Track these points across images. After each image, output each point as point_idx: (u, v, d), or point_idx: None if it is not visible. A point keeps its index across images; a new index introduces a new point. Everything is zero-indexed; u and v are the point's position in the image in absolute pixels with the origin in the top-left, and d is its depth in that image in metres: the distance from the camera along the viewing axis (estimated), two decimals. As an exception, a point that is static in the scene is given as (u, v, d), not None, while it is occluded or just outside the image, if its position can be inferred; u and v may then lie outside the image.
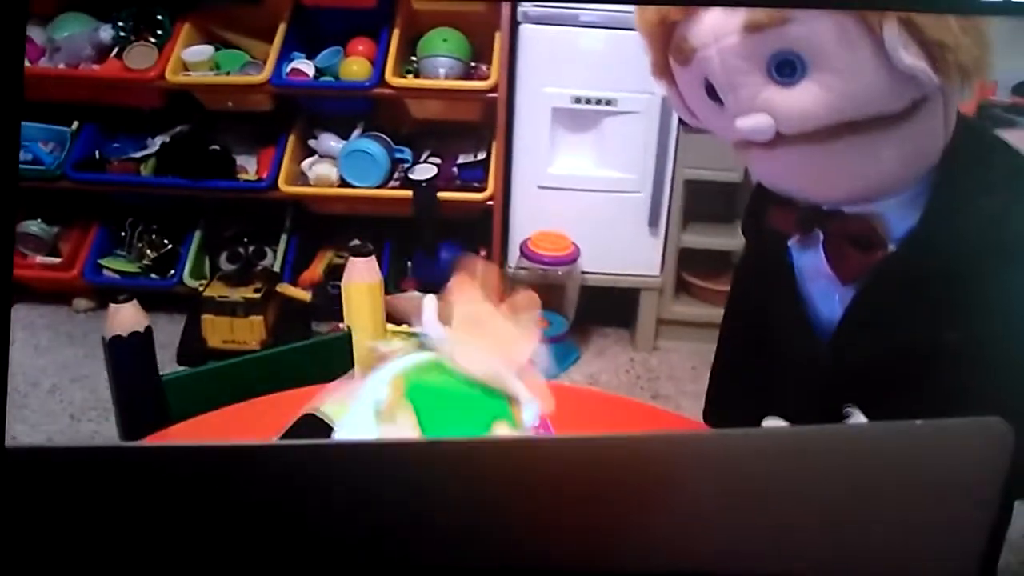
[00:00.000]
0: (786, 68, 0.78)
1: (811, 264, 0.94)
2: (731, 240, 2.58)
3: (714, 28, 0.79)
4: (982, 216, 0.83)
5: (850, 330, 0.90)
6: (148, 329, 1.06)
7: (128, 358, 1.05)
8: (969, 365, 0.82)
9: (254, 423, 0.99)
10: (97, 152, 2.63)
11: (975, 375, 0.81)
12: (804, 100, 0.78)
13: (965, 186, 0.83)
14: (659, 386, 2.45)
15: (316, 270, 2.61)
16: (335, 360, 1.09)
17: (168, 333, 2.47)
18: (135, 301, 1.05)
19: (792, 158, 0.83)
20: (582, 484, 0.49)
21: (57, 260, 2.66)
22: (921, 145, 0.82)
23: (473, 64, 2.55)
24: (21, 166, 2.51)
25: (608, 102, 2.40)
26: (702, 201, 2.56)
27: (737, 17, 0.78)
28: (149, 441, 0.99)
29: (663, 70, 0.90)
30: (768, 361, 1.00)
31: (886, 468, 0.55)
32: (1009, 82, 2.54)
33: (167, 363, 2.39)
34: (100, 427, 2.13)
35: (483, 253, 2.63)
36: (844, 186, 0.85)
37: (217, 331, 2.40)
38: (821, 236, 0.91)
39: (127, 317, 1.03)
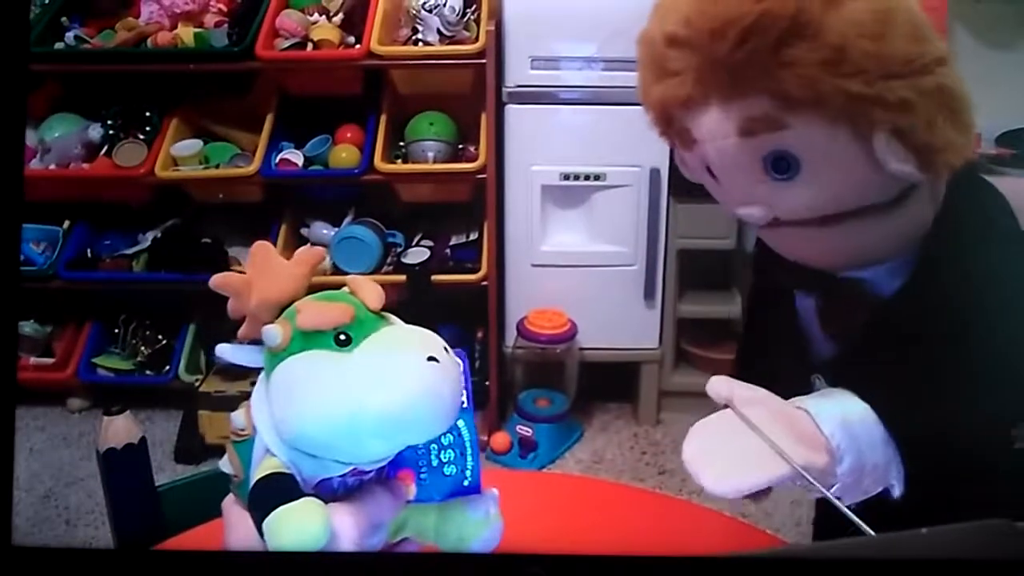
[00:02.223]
0: (781, 165, 0.80)
1: (806, 309, 0.98)
2: (728, 307, 2.57)
3: (711, 129, 0.81)
4: (967, 270, 0.85)
5: (838, 376, 0.92)
6: (143, 440, 1.03)
7: (123, 471, 1.02)
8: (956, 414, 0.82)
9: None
10: (88, 250, 2.62)
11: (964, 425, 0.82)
12: (798, 196, 0.81)
13: (952, 243, 0.85)
14: (664, 460, 2.41)
15: (312, 358, 2.59)
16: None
17: (165, 430, 2.44)
18: (128, 412, 1.02)
19: (788, 237, 0.87)
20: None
21: (50, 360, 2.63)
22: (911, 222, 0.85)
23: (461, 146, 2.56)
24: (12, 268, 2.50)
25: (597, 177, 2.41)
26: (696, 270, 2.56)
27: (732, 121, 0.79)
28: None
29: (666, 137, 0.92)
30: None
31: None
32: (993, 133, 2.57)
33: (164, 461, 2.35)
34: (98, 531, 2.08)
35: (480, 334, 2.62)
36: (839, 259, 0.88)
37: (214, 427, 2.37)
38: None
39: (120, 429, 1.01)
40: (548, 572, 0.60)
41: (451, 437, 0.76)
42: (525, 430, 2.41)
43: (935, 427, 0.80)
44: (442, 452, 0.76)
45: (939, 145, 0.76)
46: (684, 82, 0.80)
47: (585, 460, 2.42)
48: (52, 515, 2.17)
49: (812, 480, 0.74)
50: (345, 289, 0.72)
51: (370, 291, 0.71)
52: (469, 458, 0.77)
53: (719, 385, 0.82)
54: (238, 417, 0.73)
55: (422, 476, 0.77)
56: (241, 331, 0.72)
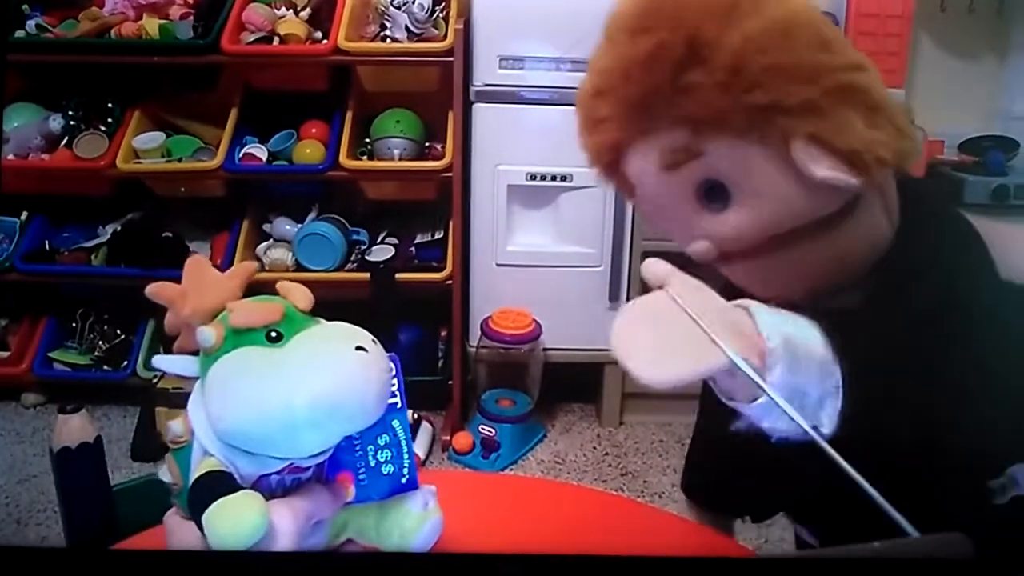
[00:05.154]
0: (714, 193, 0.79)
1: None
2: (692, 311, 2.57)
3: (639, 168, 0.82)
4: (918, 294, 0.83)
5: None
6: (98, 439, 1.01)
7: (77, 471, 1.00)
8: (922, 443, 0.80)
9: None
10: (47, 243, 2.58)
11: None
12: (735, 223, 0.80)
13: (904, 262, 0.84)
14: (627, 462, 2.42)
15: (273, 356, 2.56)
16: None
17: (121, 427, 2.40)
18: (84, 411, 1.00)
19: (743, 270, 0.85)
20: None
21: (5, 354, 2.59)
22: (866, 235, 0.83)
23: (427, 144, 2.55)
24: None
25: (563, 178, 2.40)
26: (661, 272, 2.55)
27: (654, 157, 0.79)
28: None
29: (617, 188, 0.92)
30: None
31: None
32: (956, 140, 2.60)
33: (121, 458, 2.32)
34: (50, 531, 2.04)
35: (444, 334, 2.60)
36: (798, 286, 0.86)
37: (172, 424, 2.33)
38: None
39: (75, 428, 0.98)
40: (522, 572, 0.60)
41: (387, 437, 0.78)
42: (488, 430, 2.40)
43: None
44: (379, 452, 0.78)
45: (859, 145, 0.74)
46: (609, 127, 0.81)
47: (547, 462, 2.42)
48: (2, 514, 2.13)
49: (749, 371, 0.67)
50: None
51: (299, 293, 0.74)
52: (406, 456, 0.79)
53: (656, 266, 0.75)
54: (176, 425, 0.74)
55: (361, 477, 0.78)
56: (177, 343, 0.74)
